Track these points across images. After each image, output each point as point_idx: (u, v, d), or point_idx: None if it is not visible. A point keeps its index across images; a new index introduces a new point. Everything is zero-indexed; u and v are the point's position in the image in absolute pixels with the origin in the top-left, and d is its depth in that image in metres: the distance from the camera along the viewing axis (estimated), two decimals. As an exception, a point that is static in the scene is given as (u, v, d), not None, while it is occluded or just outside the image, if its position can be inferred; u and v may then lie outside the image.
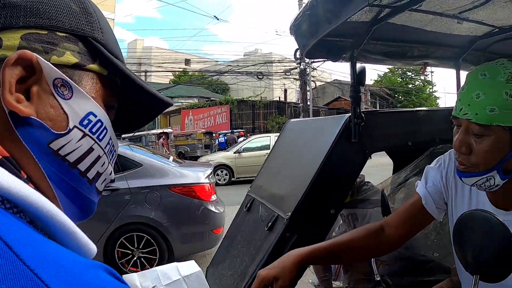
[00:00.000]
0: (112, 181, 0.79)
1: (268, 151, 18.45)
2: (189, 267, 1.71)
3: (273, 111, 34.26)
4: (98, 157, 0.70)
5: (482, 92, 1.35)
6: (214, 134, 30.54)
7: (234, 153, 19.92)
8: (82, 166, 0.67)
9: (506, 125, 1.33)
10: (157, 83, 45.55)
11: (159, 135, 30.25)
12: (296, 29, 2.48)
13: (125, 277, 1.77)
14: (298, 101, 33.44)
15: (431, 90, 54.92)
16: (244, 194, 3.59)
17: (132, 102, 0.81)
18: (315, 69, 29.19)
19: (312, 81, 30.21)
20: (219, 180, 18.52)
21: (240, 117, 35.05)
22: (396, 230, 1.79)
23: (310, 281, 4.52)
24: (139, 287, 1.67)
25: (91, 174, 0.70)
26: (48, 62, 0.63)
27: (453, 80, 3.36)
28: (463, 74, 3.28)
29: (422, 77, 52.38)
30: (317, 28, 2.27)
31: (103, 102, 0.72)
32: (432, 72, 44.38)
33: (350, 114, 2.61)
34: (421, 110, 3.11)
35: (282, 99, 37.52)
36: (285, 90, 37.41)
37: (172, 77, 50.40)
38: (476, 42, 2.98)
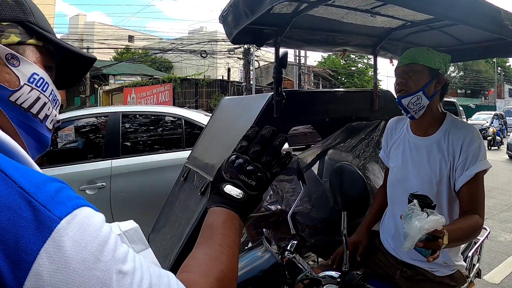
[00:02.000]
0: (58, 121, 1.10)
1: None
2: (128, 224, 1.92)
3: (216, 90, 34.05)
4: (44, 104, 1.00)
5: (414, 51, 2.40)
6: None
7: None
8: (34, 110, 0.98)
9: (425, 64, 2.32)
10: (99, 60, 44.18)
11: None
12: (223, 19, 2.81)
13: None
14: (242, 80, 33.48)
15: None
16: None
17: (66, 62, 1.13)
18: (259, 48, 29.29)
19: (255, 60, 30.32)
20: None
21: (183, 95, 34.80)
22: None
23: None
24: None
25: (41, 115, 1.00)
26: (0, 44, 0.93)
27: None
28: (381, 60, 3.69)
29: (365, 60, 53.13)
30: (238, 20, 2.61)
31: (43, 65, 1.03)
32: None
33: (273, 92, 2.93)
34: (338, 91, 3.45)
35: (226, 78, 37.41)
36: (229, 69, 37.26)
37: (115, 54, 49.16)
38: (392, 33, 3.36)
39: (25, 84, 0.95)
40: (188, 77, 35.69)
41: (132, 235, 1.89)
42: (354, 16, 2.92)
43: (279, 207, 4.22)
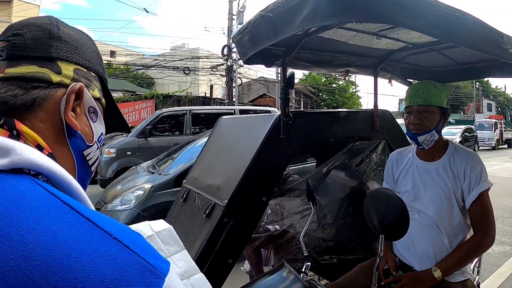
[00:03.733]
0: None
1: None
2: (160, 224, 1.83)
3: (198, 107, 34.11)
4: (98, 158, 1.00)
5: (424, 90, 2.60)
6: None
7: None
8: (93, 168, 0.98)
9: (437, 105, 2.57)
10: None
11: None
12: (238, 40, 2.81)
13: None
14: (224, 97, 33.48)
15: (354, 90, 56.26)
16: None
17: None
18: (242, 66, 29.38)
19: (238, 77, 30.36)
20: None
21: (165, 112, 34.70)
22: None
23: (242, 268, 4.77)
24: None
25: (93, 169, 0.99)
26: (89, 94, 0.91)
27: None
28: (380, 80, 3.72)
29: (346, 78, 53.42)
30: (257, 41, 2.62)
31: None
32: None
33: (279, 113, 2.93)
34: (342, 111, 3.46)
35: (208, 95, 37.38)
36: (211, 86, 37.29)
37: (96, 69, 48.72)
38: (393, 54, 3.41)
39: (95, 142, 0.95)
40: (171, 94, 35.62)
41: (165, 236, 1.78)
42: (360, 38, 2.97)
43: (277, 227, 4.19)
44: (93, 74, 0.95)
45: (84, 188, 0.93)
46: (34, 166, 0.68)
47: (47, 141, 0.81)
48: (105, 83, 1.01)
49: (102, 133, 0.98)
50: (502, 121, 46.02)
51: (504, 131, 43.49)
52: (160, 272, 0.61)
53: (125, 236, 0.63)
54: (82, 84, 0.88)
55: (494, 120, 41.90)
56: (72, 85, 0.86)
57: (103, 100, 1.00)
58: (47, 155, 0.78)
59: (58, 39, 0.88)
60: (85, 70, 0.92)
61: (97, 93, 0.96)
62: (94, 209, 0.76)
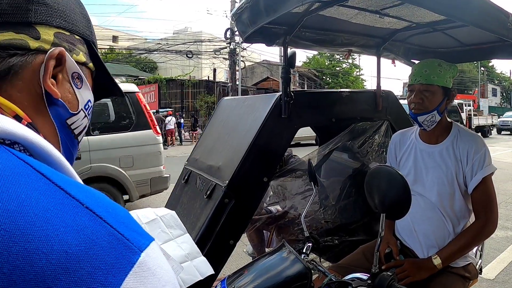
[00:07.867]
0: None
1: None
2: (163, 210, 1.88)
3: (202, 91, 34.00)
4: (86, 127, 0.95)
5: (428, 69, 2.54)
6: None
7: None
8: (80, 137, 0.93)
9: (440, 85, 2.51)
10: (82, 60, 43.62)
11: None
12: (237, 17, 2.77)
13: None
14: (227, 80, 33.43)
15: (357, 73, 55.97)
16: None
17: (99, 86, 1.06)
18: (245, 49, 29.30)
19: (241, 61, 30.24)
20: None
21: (169, 96, 34.68)
22: None
23: (244, 250, 4.78)
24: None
25: (80, 138, 0.95)
26: (72, 59, 0.86)
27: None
28: (383, 60, 3.68)
29: (350, 60, 53.19)
30: (256, 18, 2.58)
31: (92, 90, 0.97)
32: (359, 55, 44.95)
33: (281, 92, 2.90)
34: (344, 92, 3.43)
35: (211, 78, 37.31)
36: (214, 70, 37.22)
37: (99, 54, 48.61)
38: (396, 34, 3.36)
39: (81, 109, 0.90)
40: (174, 78, 35.58)
41: (168, 220, 1.85)
42: (363, 17, 2.92)
43: (279, 208, 4.18)
44: (77, 37, 0.89)
45: (71, 158, 0.92)
46: (8, 135, 0.65)
47: (27, 111, 0.77)
48: (93, 46, 0.95)
49: (89, 100, 0.93)
50: (471, 102, 36.92)
51: (475, 116, 34.99)
52: (135, 246, 0.57)
53: (100, 207, 0.60)
54: (63, 48, 0.82)
55: (457, 101, 30.31)
56: (51, 50, 0.81)
57: (91, 64, 0.94)
58: (27, 125, 0.74)
59: (37, 2, 0.82)
60: (68, 34, 0.87)
61: (83, 57, 0.90)
62: (78, 178, 0.74)
